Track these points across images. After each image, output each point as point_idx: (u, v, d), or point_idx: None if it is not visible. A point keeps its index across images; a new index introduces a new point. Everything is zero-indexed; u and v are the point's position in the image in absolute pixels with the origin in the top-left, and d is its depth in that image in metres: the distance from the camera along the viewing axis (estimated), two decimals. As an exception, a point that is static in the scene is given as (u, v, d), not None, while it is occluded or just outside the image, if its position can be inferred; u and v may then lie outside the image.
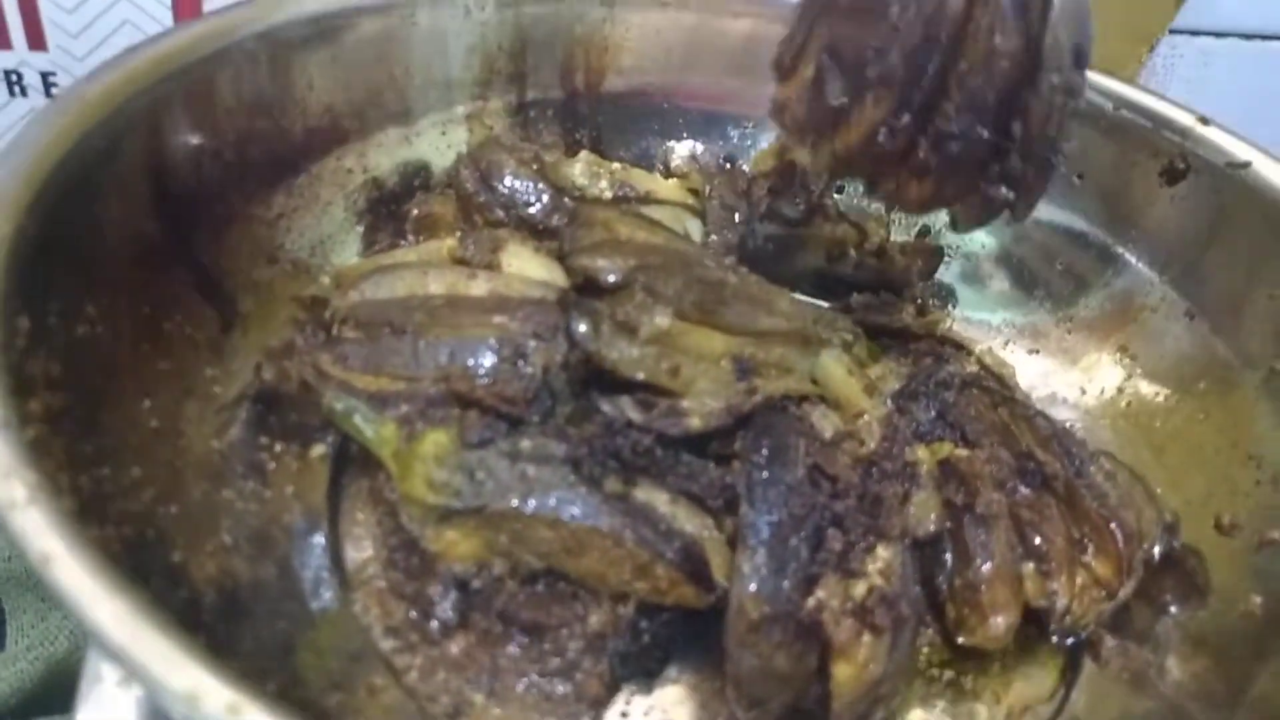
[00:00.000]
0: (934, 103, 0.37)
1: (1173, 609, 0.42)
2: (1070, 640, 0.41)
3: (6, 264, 0.30)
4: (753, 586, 0.35)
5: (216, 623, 0.33)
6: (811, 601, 0.36)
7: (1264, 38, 0.71)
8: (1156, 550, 0.42)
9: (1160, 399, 0.48)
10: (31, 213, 0.32)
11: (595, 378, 0.40)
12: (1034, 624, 0.40)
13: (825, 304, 0.55)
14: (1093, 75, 0.49)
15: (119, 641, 0.22)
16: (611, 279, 0.40)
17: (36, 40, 0.51)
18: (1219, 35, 0.71)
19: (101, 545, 0.25)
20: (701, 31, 0.54)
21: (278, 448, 0.41)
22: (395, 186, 0.51)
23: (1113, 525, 0.41)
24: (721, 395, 0.40)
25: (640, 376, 0.39)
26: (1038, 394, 0.50)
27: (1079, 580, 0.41)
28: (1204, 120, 0.47)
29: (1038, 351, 0.52)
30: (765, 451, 0.38)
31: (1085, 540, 0.41)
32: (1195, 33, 0.70)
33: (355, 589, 0.38)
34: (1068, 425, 0.48)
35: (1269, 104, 0.74)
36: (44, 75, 0.52)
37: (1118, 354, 0.50)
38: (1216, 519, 0.43)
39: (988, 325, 0.54)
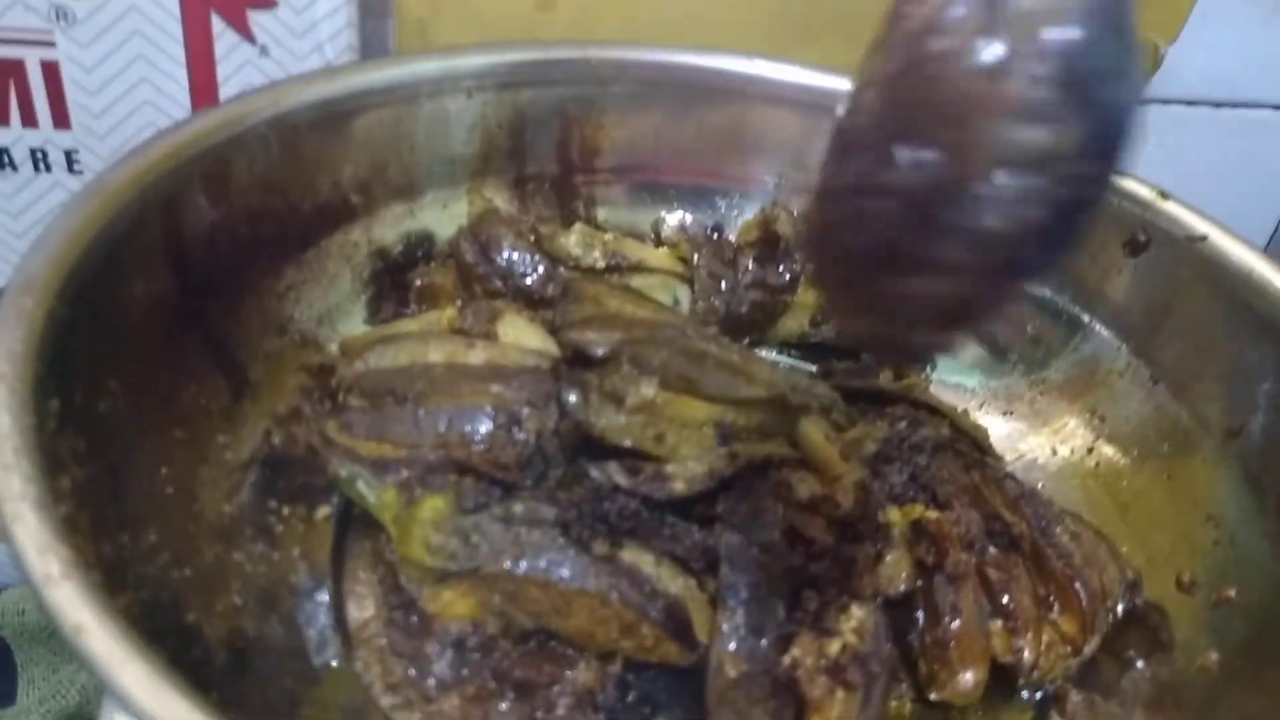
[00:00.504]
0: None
1: (1139, 664, 0.44)
2: (1038, 694, 0.43)
3: (40, 348, 0.32)
4: (731, 645, 0.38)
5: (227, 681, 0.35)
6: (787, 659, 0.38)
7: (1233, 105, 0.74)
8: (1120, 607, 0.44)
9: (1126, 461, 0.50)
10: (61, 296, 0.34)
11: (585, 444, 0.42)
12: (1003, 679, 0.42)
13: (810, 365, 0.57)
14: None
15: (145, 706, 0.24)
16: (600, 352, 0.43)
17: (61, 120, 0.54)
18: (1190, 104, 0.74)
19: (124, 612, 0.27)
20: (690, 110, 0.56)
21: (285, 510, 0.44)
22: (399, 256, 0.54)
23: (1077, 584, 0.43)
24: (704, 460, 0.42)
25: (627, 443, 0.42)
26: (1011, 454, 0.53)
27: (1045, 637, 0.43)
28: (1163, 195, 0.50)
29: (1011, 414, 0.55)
30: (745, 514, 0.41)
31: (1051, 598, 0.43)
32: (1167, 101, 0.73)
33: (357, 647, 0.40)
34: (1039, 485, 0.50)
35: (1240, 168, 0.77)
36: (67, 152, 0.55)
37: (1087, 416, 0.52)
38: (1178, 577, 0.45)
39: (963, 388, 0.56)
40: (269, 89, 0.47)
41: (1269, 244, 0.82)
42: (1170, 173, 0.75)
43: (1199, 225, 0.48)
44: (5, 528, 0.27)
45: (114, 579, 0.30)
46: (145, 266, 0.40)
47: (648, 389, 0.42)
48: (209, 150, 0.43)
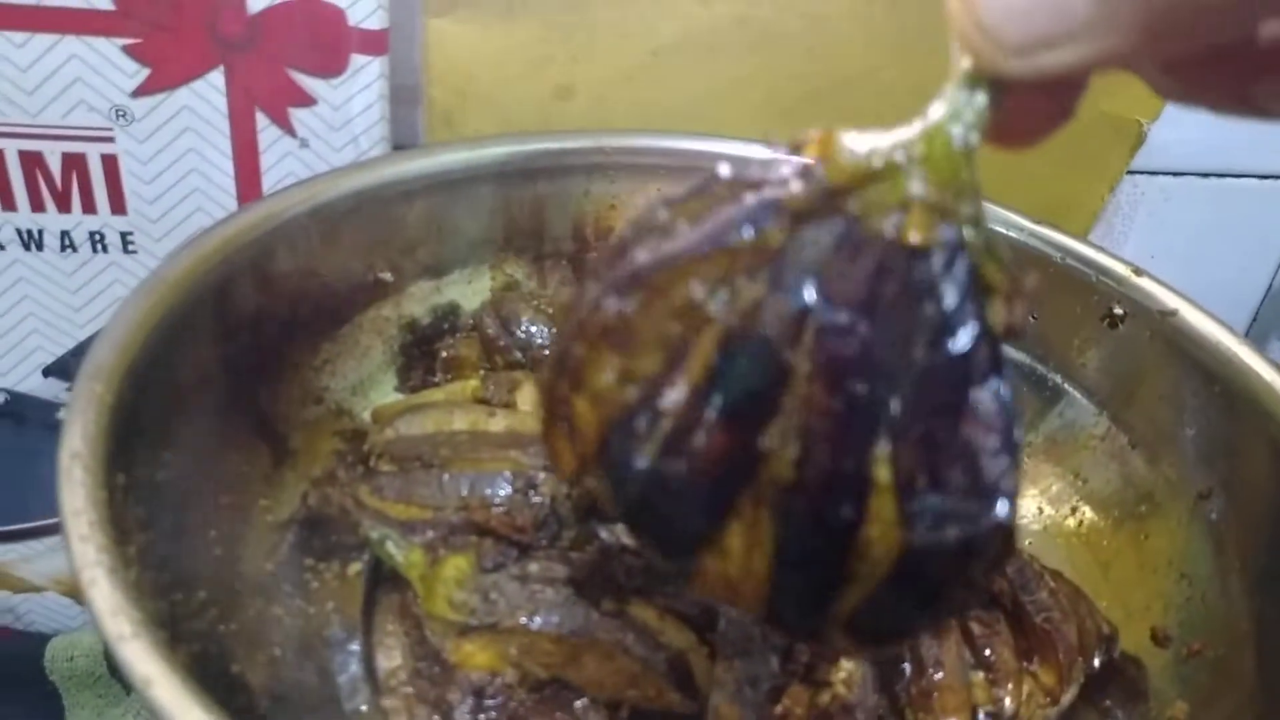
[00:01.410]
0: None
1: (1118, 713, 0.47)
2: (1019, 743, 0.46)
3: (109, 428, 0.36)
4: (728, 695, 0.41)
5: (269, 727, 0.39)
6: (779, 709, 0.41)
7: (1219, 175, 0.78)
8: (1097, 660, 0.47)
9: (1106, 521, 0.53)
10: (126, 381, 0.38)
11: (595, 507, 0.46)
12: (986, 728, 0.45)
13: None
14: (1039, 228, 0.55)
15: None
16: (609, 422, 0.46)
17: (118, 206, 0.59)
18: (1177, 174, 0.77)
19: (183, 666, 0.31)
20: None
21: (320, 567, 0.47)
22: (427, 329, 0.58)
23: (1055, 638, 0.46)
24: (705, 523, 0.46)
25: (634, 507, 0.45)
26: (999, 514, 0.56)
27: (1025, 688, 0.46)
28: (1137, 271, 0.53)
29: (1001, 475, 0.58)
30: (742, 573, 0.44)
31: (1031, 651, 0.46)
32: (1154, 173, 0.77)
33: (385, 694, 0.44)
34: (1027, 543, 0.53)
35: (1227, 237, 0.80)
36: (123, 234, 0.60)
37: (1070, 478, 0.55)
38: (1153, 630, 0.48)
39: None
40: (308, 183, 0.51)
41: (1257, 311, 0.85)
42: (1159, 242, 0.79)
43: (1170, 300, 0.52)
44: (83, 591, 0.31)
45: (172, 635, 0.34)
46: (197, 349, 0.44)
47: (652, 456, 0.46)
48: (254, 242, 0.47)
